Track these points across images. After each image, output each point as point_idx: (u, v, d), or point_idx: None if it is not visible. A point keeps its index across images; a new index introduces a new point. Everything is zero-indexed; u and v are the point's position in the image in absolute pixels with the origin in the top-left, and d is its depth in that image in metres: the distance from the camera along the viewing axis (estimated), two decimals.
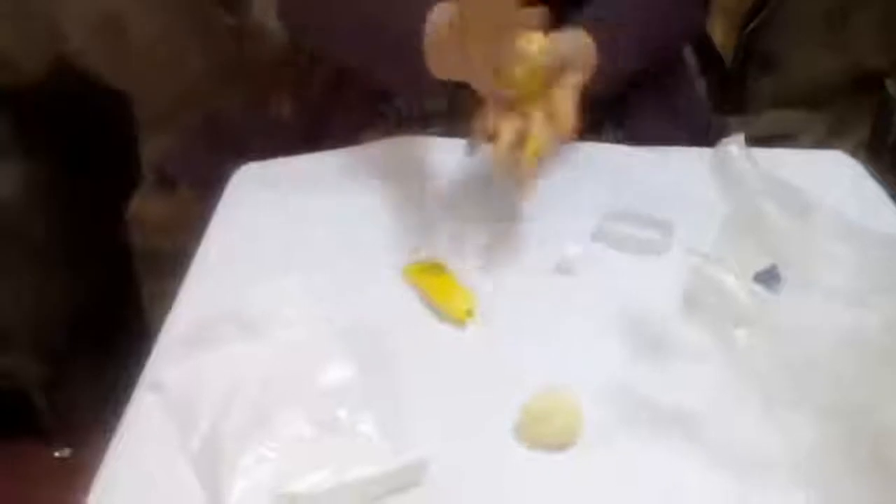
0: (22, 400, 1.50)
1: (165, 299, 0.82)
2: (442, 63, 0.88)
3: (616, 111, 1.08)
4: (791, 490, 0.63)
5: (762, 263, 0.67)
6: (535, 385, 0.68)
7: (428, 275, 0.81)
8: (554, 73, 0.85)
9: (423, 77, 0.90)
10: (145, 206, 1.29)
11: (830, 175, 0.95)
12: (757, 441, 0.66)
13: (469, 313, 0.77)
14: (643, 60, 1.04)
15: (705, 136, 1.11)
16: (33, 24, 1.24)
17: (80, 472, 0.65)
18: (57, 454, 1.56)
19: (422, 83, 0.92)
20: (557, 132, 0.84)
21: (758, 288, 0.64)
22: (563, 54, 0.86)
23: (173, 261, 0.88)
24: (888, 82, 1.38)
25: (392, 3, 0.94)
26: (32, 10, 1.24)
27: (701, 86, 1.28)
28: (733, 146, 0.69)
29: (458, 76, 0.88)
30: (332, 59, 1.10)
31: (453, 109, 1.08)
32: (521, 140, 0.83)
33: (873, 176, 0.98)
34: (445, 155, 1.00)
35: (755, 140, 1.24)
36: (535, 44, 0.82)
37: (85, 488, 0.64)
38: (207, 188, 1.00)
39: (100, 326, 1.48)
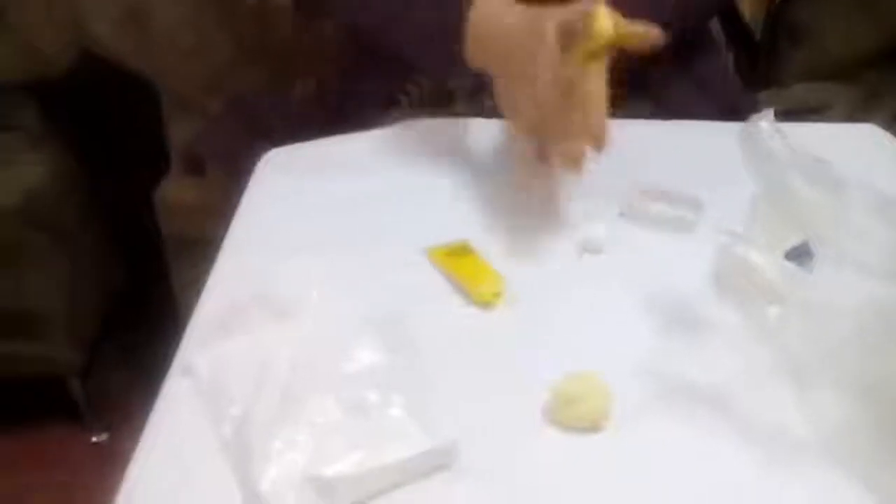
0: (58, 387, 1.52)
1: (195, 283, 0.82)
2: (481, 57, 0.90)
3: (642, 84, 1.07)
4: (823, 468, 0.62)
5: (794, 240, 0.66)
6: (565, 367, 0.68)
7: (455, 257, 0.81)
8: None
9: (453, 63, 0.91)
10: (174, 192, 1.30)
11: (863, 149, 0.93)
12: (789, 420, 0.65)
13: (497, 295, 0.76)
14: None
15: (733, 110, 1.10)
16: (58, 15, 1.25)
17: (118, 456, 0.66)
18: (94, 439, 1.58)
19: (450, 69, 0.93)
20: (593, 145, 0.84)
21: (789, 265, 0.63)
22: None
23: (202, 245, 0.88)
24: None
25: None
26: (57, 1, 1.24)
27: (729, 59, 1.27)
28: (763, 122, 0.68)
29: (494, 72, 0.89)
30: (360, 33, 1.10)
31: (477, 88, 1.07)
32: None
33: None
34: (470, 135, 1.00)
35: (786, 113, 1.22)
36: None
37: (122, 473, 0.64)
38: (236, 169, 1.00)
39: (132, 312, 1.50)
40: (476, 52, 0.91)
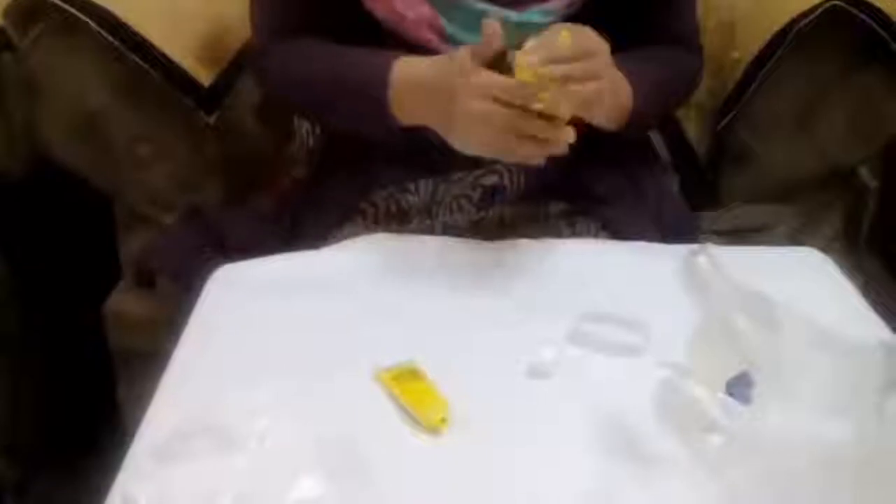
0: None
1: (142, 400, 0.81)
2: (409, 110, 0.98)
3: (591, 202, 1.09)
4: None
5: (734, 371, 0.68)
6: (510, 497, 0.67)
7: (403, 381, 0.81)
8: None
9: (387, 124, 0.99)
10: (123, 305, 1.29)
11: (802, 274, 0.95)
12: None
13: (444, 421, 0.76)
14: (659, 106, 1.11)
15: (679, 231, 1.12)
16: (12, 122, 1.25)
17: None
18: None
19: (386, 131, 1.00)
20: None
21: (730, 399, 0.64)
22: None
23: (150, 360, 0.87)
24: (862, 171, 1.41)
25: (358, 58, 1.03)
26: (11, 109, 1.25)
27: (674, 180, 1.30)
28: (701, 257, 0.70)
29: (424, 122, 0.98)
30: (307, 113, 1.19)
31: (431, 205, 1.09)
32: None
33: (845, 272, 0.99)
34: (423, 254, 1.00)
35: (728, 234, 1.26)
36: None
37: None
38: (187, 283, 1.00)
39: (75, 427, 1.46)
40: (402, 106, 0.98)
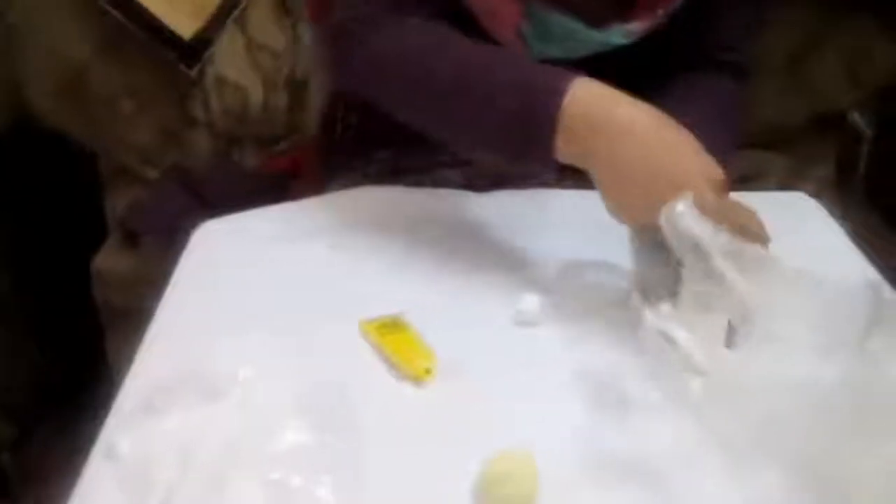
0: None
1: (130, 356, 0.81)
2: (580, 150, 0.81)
3: None
4: None
5: (718, 317, 0.67)
6: (495, 444, 0.67)
7: (387, 331, 0.80)
8: None
9: (545, 158, 0.83)
10: (110, 262, 1.28)
11: (791, 218, 0.94)
12: (719, 495, 0.65)
13: (428, 371, 0.76)
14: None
15: None
16: None
17: None
18: None
19: (542, 163, 0.85)
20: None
21: (712, 341, 0.64)
22: None
23: (138, 317, 0.87)
24: (852, 115, 1.39)
25: (513, 71, 0.86)
26: None
27: None
28: (680, 205, 0.69)
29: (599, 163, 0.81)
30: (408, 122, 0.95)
31: (427, 164, 1.07)
32: None
33: (835, 216, 0.98)
34: (408, 206, 1.00)
35: None
36: None
37: None
38: (171, 239, 0.99)
39: (66, 384, 1.47)
40: (574, 142, 0.81)
